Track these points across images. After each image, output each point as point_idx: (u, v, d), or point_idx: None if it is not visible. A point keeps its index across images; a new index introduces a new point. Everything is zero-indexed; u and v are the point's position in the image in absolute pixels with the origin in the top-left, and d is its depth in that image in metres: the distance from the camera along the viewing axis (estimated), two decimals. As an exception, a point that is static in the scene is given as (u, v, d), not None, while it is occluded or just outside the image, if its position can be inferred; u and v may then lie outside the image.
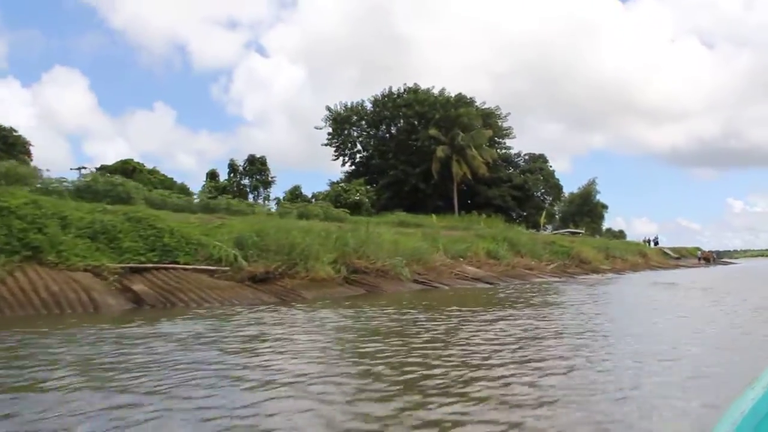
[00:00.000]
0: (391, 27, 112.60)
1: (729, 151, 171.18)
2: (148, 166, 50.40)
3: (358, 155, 64.67)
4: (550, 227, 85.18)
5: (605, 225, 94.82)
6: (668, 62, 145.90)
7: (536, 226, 59.11)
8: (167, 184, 46.27)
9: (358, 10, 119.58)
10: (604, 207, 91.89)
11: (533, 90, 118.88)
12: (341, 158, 63.93)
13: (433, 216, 40.82)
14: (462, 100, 59.69)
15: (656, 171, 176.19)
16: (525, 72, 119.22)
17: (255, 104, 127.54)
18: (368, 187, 52.33)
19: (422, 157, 57.61)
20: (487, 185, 59.23)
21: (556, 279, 29.09)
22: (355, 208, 46.97)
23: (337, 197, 49.84)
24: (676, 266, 59.95)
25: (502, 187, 58.98)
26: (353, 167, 64.26)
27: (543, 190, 63.56)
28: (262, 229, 18.60)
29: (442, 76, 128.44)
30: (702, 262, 73.57)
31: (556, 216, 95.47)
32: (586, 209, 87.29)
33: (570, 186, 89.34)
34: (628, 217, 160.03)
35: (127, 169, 46.84)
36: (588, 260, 37.17)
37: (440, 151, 54.48)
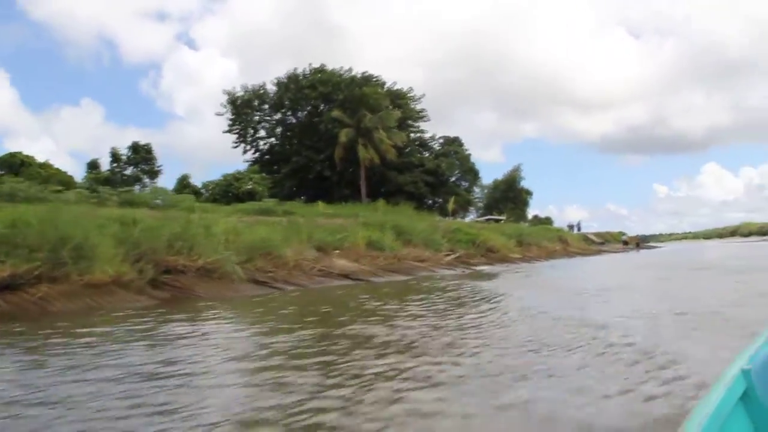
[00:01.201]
0: (324, 18, 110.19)
1: (655, 138, 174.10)
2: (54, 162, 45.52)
3: (261, 142, 59.52)
4: (473, 214, 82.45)
5: (532, 211, 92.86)
6: (597, 52, 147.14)
7: (455, 213, 55.33)
8: (60, 177, 40.96)
9: (291, 1, 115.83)
10: (529, 193, 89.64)
11: (467, 79, 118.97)
12: (242, 146, 58.49)
13: (320, 203, 36.35)
14: (369, 79, 55.22)
15: (587, 158, 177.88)
16: (459, 62, 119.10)
17: (185, 98, 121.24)
18: (264, 174, 47.33)
19: (327, 142, 52.98)
20: (398, 171, 54.97)
21: (451, 271, 25.01)
22: (249, 199, 42.21)
23: (227, 187, 44.86)
24: (599, 252, 57.18)
25: (414, 173, 54.78)
26: (257, 155, 59.11)
27: (458, 175, 59.55)
28: (18, 219, 13.62)
29: (377, 66, 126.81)
30: (627, 246, 71.36)
31: (477, 202, 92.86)
32: (510, 195, 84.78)
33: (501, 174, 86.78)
34: (560, 204, 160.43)
35: (14, 162, 41.49)
36: (496, 249, 33.29)
37: (344, 135, 49.90)
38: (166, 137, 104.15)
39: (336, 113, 50.92)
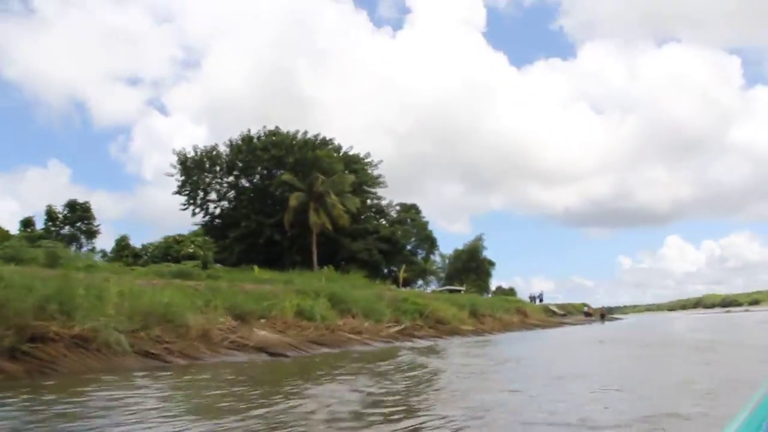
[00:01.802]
0: (295, 87, 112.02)
1: (619, 211, 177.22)
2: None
3: (211, 205, 57.14)
4: (434, 284, 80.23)
5: (496, 282, 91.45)
6: (561, 126, 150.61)
7: (408, 282, 53.18)
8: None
9: (262, 70, 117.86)
10: (491, 264, 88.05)
11: (434, 151, 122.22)
12: (191, 208, 56.00)
13: (256, 268, 34.07)
14: (323, 142, 53.70)
15: (552, 231, 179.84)
16: (426, 133, 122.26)
17: (155, 163, 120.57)
18: (207, 238, 44.83)
19: (278, 207, 50.94)
20: (352, 237, 52.91)
21: (389, 345, 22.75)
22: (190, 260, 39.70)
23: (167, 249, 42.19)
24: (560, 324, 55.27)
25: (368, 240, 52.74)
26: (207, 218, 56.66)
27: (414, 243, 57.59)
28: None
29: (346, 136, 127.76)
30: (588, 318, 69.63)
31: (439, 272, 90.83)
32: (473, 266, 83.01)
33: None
34: (526, 276, 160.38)
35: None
36: (446, 320, 31.11)
37: (294, 199, 47.87)
38: (134, 202, 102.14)
39: (287, 177, 49.07)
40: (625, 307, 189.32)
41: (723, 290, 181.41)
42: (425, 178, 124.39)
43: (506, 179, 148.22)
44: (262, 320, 21.11)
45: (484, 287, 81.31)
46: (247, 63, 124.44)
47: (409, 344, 23.34)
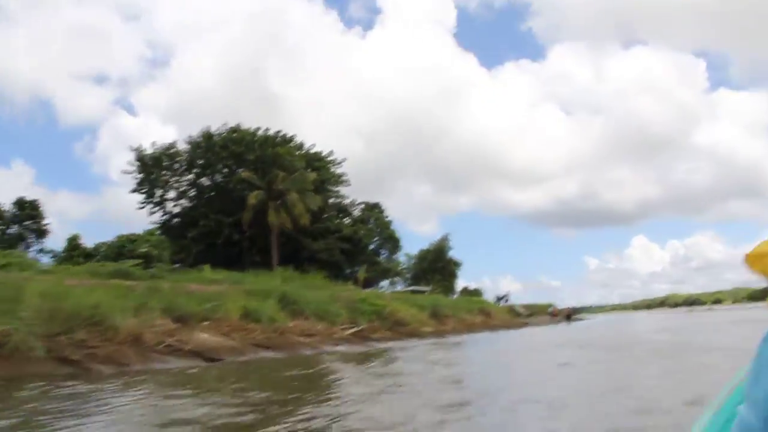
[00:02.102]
0: (265, 87, 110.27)
1: (586, 212, 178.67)
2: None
3: (171, 204, 55.46)
4: (401, 285, 79.37)
5: (464, 283, 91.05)
6: (530, 127, 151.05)
7: (370, 283, 52.21)
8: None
9: (232, 69, 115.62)
10: (457, 264, 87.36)
11: (404, 151, 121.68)
12: (148, 207, 54.26)
13: (207, 268, 32.85)
14: (284, 139, 52.44)
15: (520, 231, 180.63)
16: (396, 133, 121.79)
17: (121, 164, 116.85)
18: (163, 237, 43.40)
19: (237, 205, 49.53)
20: (313, 237, 51.71)
21: (342, 348, 21.76)
22: (145, 262, 38.30)
23: (120, 249, 40.66)
24: (524, 324, 54.78)
25: (330, 239, 51.54)
26: (165, 217, 55.02)
27: (377, 242, 56.51)
28: None
29: (317, 135, 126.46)
30: (554, 318, 69.39)
31: (405, 272, 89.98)
32: (439, 266, 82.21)
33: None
34: (494, 276, 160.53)
35: None
36: (405, 322, 30.21)
37: (253, 197, 46.59)
38: (100, 202, 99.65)
39: (245, 174, 47.78)
40: (591, 307, 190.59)
41: (687, 290, 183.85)
42: (395, 179, 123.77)
43: (475, 180, 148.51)
44: (206, 323, 20.00)
45: (449, 288, 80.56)
46: (216, 62, 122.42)
47: (359, 349, 22.37)
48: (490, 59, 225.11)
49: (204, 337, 18.36)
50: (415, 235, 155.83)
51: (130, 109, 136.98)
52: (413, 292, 62.52)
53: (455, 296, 74.85)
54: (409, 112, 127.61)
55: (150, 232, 43.61)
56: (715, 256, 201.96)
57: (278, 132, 52.86)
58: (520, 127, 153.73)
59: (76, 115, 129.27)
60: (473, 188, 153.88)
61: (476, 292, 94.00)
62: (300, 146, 55.33)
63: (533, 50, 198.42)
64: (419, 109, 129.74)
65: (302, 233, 51.03)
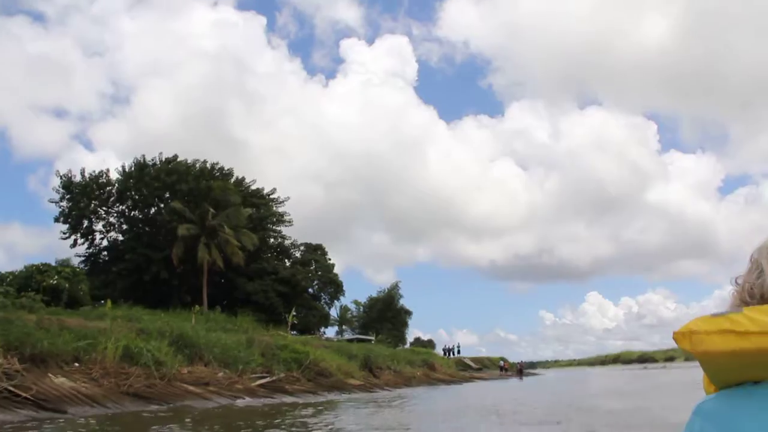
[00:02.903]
0: (225, 129, 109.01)
1: (542, 266, 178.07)
2: None
3: (98, 236, 51.54)
4: (349, 333, 75.78)
5: (418, 333, 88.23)
6: (488, 181, 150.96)
7: (308, 328, 48.84)
8: None
9: (193, 111, 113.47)
10: (408, 313, 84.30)
11: (363, 200, 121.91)
12: (73, 237, 50.19)
13: (109, 302, 29.44)
14: (220, 172, 49.39)
15: (476, 284, 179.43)
16: (356, 182, 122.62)
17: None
18: (77, 268, 39.64)
19: (167, 239, 46.09)
20: (248, 278, 48.32)
21: (242, 401, 18.52)
22: (51, 296, 34.62)
23: (27, 279, 36.79)
24: (470, 378, 51.83)
25: (266, 280, 48.16)
26: (91, 249, 51.06)
27: (316, 286, 53.14)
28: None
29: (276, 181, 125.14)
30: (506, 373, 66.45)
31: (354, 320, 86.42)
32: (389, 315, 78.99)
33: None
34: (450, 328, 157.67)
35: None
36: (329, 373, 26.95)
37: (183, 229, 43.13)
38: (52, 237, 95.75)
39: (176, 204, 44.39)
40: (547, 362, 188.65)
41: (640, 347, 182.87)
42: (353, 227, 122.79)
43: (433, 231, 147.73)
44: (76, 364, 16.72)
45: (400, 338, 77.35)
46: (177, 102, 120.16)
47: (261, 403, 19.17)
48: (449, 113, 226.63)
49: (60, 381, 15.08)
50: (371, 284, 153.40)
51: (88, 145, 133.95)
52: (358, 340, 59.25)
53: (406, 346, 71.64)
54: (369, 161, 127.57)
55: (64, 263, 39.77)
56: (667, 314, 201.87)
57: (214, 164, 49.85)
58: (477, 180, 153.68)
59: (32, 148, 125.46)
60: (431, 239, 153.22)
61: (429, 343, 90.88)
62: (240, 181, 52.35)
63: (492, 106, 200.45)
64: (379, 159, 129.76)
65: (236, 273, 47.70)
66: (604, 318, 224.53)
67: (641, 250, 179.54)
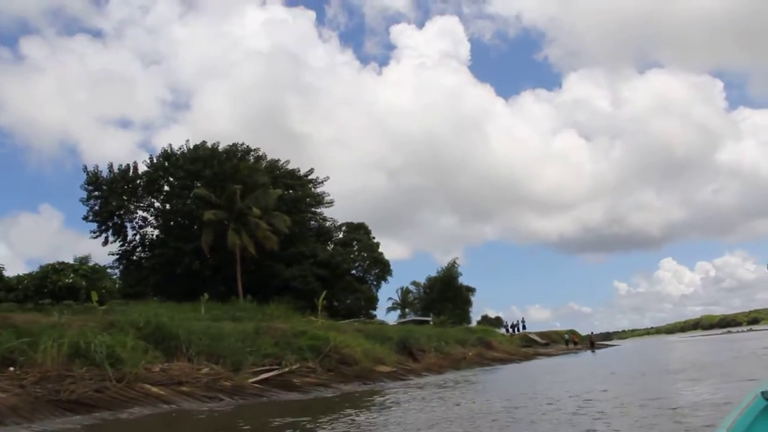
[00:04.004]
0: (285, 125, 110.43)
1: (613, 237, 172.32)
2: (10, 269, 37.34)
3: (131, 232, 49.36)
4: (412, 316, 72.31)
5: (484, 311, 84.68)
6: (551, 154, 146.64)
7: (354, 313, 45.48)
8: None
9: (252, 110, 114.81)
10: (470, 290, 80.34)
11: (427, 184, 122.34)
12: (104, 235, 48.08)
13: (94, 294, 26.47)
14: (245, 152, 46.37)
15: (547, 258, 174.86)
16: (418, 167, 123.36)
17: None
18: (97, 266, 37.15)
19: (197, 229, 43.39)
20: (286, 263, 45.21)
21: (222, 404, 15.20)
22: (68, 296, 32.32)
23: (42, 280, 34.56)
24: (534, 355, 47.52)
25: (304, 265, 44.95)
26: (124, 247, 48.89)
27: (359, 267, 49.55)
28: None
29: (340, 172, 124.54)
30: (573, 347, 61.73)
31: (415, 302, 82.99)
32: (449, 295, 75.23)
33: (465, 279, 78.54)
34: (522, 305, 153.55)
35: None
36: (354, 360, 23.41)
37: (210, 215, 40.23)
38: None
39: (200, 191, 41.58)
40: (624, 331, 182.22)
41: (719, 311, 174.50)
42: (419, 211, 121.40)
43: (499, 209, 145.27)
44: (11, 368, 13.71)
45: (464, 317, 73.48)
46: (236, 102, 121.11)
47: (247, 403, 15.74)
48: (506, 89, 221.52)
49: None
50: (441, 267, 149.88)
51: (154, 152, 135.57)
52: (415, 322, 55.54)
53: (472, 325, 67.66)
54: (430, 144, 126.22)
55: (80, 260, 37.37)
56: (747, 276, 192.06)
57: (240, 144, 46.84)
58: (541, 154, 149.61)
59: (102, 160, 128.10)
60: (498, 217, 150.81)
61: (497, 321, 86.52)
62: (273, 163, 49.26)
63: (549, 78, 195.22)
64: (440, 142, 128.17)
65: (272, 259, 44.70)
66: (680, 284, 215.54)
67: (715, 212, 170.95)
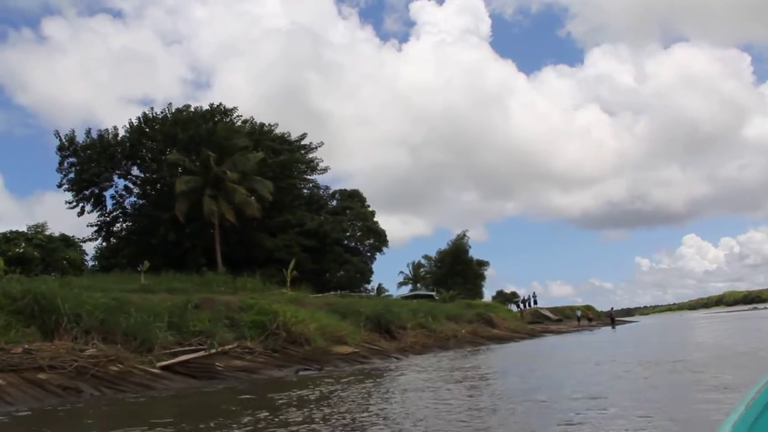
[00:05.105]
0: (307, 104, 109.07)
1: (635, 212, 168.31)
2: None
3: (111, 202, 46.00)
4: (422, 289, 68.90)
5: (498, 286, 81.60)
6: (573, 130, 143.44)
7: (345, 285, 42.11)
8: None
9: (273, 89, 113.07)
10: (482, 264, 76.81)
11: (449, 160, 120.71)
12: (81, 205, 44.78)
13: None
14: (222, 112, 42.84)
15: (568, 234, 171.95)
16: (440, 143, 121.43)
17: None
18: (53, 234, 34.04)
19: (173, 197, 40.07)
20: (271, 233, 41.85)
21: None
22: (19, 267, 29.34)
23: (-8, 250, 31.61)
24: (541, 332, 44.03)
25: (290, 234, 41.54)
26: (102, 217, 45.64)
27: (349, 236, 45.83)
28: None
29: (362, 148, 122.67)
30: (587, 324, 57.94)
31: (426, 276, 79.68)
32: (458, 269, 71.74)
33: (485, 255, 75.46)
34: (543, 281, 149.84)
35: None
36: (306, 338, 20.01)
37: (182, 183, 36.92)
38: None
39: (173, 156, 38.20)
40: (645, 308, 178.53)
41: (744, 287, 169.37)
42: (441, 187, 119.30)
43: (521, 185, 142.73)
44: None
45: (476, 292, 69.98)
46: (257, 81, 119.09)
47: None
48: (528, 65, 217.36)
49: None
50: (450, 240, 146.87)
51: None
52: (418, 296, 52.18)
53: (485, 300, 64.22)
54: (452, 120, 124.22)
55: (36, 228, 34.26)
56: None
57: (218, 105, 43.27)
58: (563, 129, 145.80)
59: None
60: (519, 193, 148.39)
61: (513, 296, 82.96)
62: (258, 126, 45.70)
63: (572, 54, 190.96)
64: (461, 118, 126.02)
65: (255, 229, 41.39)
66: (703, 260, 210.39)
67: (741, 188, 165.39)
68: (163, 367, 14.88)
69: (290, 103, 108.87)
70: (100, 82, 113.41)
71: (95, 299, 15.35)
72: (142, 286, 22.51)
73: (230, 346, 17.76)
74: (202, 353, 16.61)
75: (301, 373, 16.98)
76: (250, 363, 17.17)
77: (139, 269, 27.18)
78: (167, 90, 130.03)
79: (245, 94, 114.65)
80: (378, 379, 15.31)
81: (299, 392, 12.26)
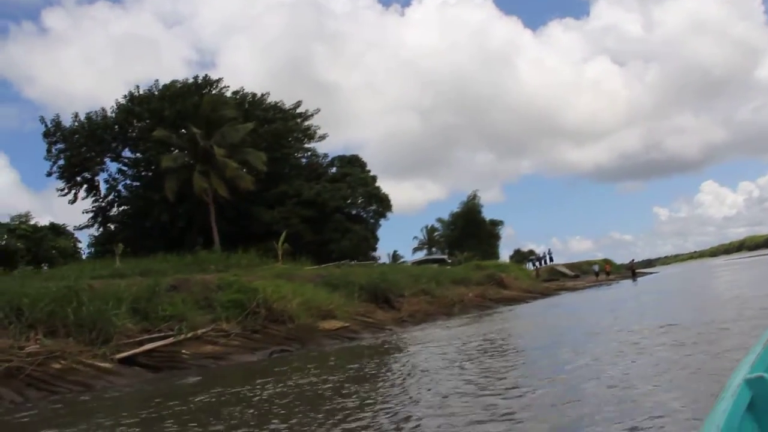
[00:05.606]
0: (313, 75, 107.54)
1: (650, 163, 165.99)
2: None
3: (104, 187, 44.56)
4: (437, 253, 67.51)
5: (522, 245, 79.98)
6: (583, 83, 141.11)
7: (350, 255, 40.54)
8: None
9: (278, 62, 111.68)
10: (496, 224, 75.06)
11: (460, 122, 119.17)
12: (73, 192, 43.43)
13: None
14: (206, 83, 41.12)
15: (584, 189, 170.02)
16: (450, 105, 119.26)
17: None
18: (37, 224, 32.82)
19: (163, 176, 38.59)
20: (269, 206, 40.33)
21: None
22: (6, 260, 28.44)
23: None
24: (557, 290, 42.41)
25: (287, 206, 39.98)
26: (98, 203, 44.29)
27: (349, 203, 44.01)
28: None
29: (372, 115, 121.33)
30: (604, 279, 56.13)
31: (440, 239, 78.31)
32: (472, 230, 70.02)
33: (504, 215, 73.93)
34: (563, 237, 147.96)
35: None
36: (289, 315, 18.54)
37: (168, 160, 35.44)
38: None
39: (158, 134, 36.58)
40: (666, 257, 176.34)
41: (765, 231, 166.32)
42: (454, 150, 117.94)
43: (534, 142, 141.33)
44: None
45: (491, 253, 68.19)
46: (262, 56, 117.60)
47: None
48: (533, 20, 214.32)
49: None
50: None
51: None
52: (429, 261, 50.71)
53: (502, 261, 62.42)
54: (460, 82, 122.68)
55: (20, 220, 33.05)
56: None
57: (204, 77, 41.54)
58: (573, 83, 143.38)
59: None
60: (533, 151, 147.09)
61: (530, 254, 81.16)
62: (247, 96, 43.97)
63: (577, 6, 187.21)
64: (469, 79, 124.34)
65: (252, 202, 39.89)
66: (722, 206, 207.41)
67: (757, 130, 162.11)
68: (122, 360, 13.48)
69: (297, 76, 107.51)
70: (104, 69, 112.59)
71: (47, 289, 13.91)
72: (113, 271, 21.10)
73: (204, 330, 16.31)
74: (170, 340, 15.20)
75: (275, 355, 15.54)
76: (222, 348, 15.73)
77: (116, 252, 25.80)
78: (173, 72, 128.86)
79: (251, 71, 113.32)
80: (349, 364, 13.79)
81: (241, 388, 10.67)
